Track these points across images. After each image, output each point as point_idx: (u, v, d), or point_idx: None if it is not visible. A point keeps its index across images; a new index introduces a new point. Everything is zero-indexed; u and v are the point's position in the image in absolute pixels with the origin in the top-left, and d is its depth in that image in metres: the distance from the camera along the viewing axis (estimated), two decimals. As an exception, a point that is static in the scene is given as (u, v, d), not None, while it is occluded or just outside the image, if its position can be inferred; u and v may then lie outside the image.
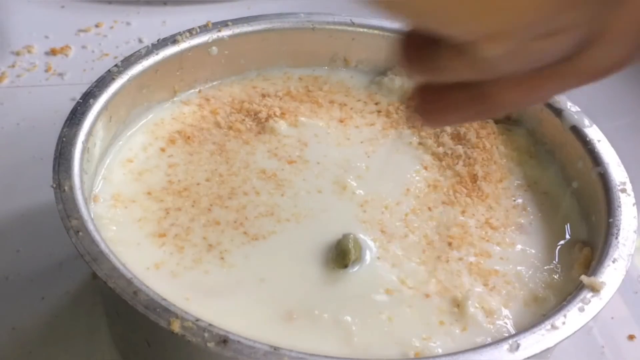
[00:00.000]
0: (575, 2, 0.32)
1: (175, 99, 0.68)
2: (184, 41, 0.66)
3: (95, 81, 0.60)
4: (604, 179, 0.58)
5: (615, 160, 0.59)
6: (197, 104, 0.68)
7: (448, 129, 0.66)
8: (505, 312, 0.53)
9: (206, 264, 0.54)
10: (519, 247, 0.58)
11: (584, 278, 0.51)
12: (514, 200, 0.62)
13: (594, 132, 0.62)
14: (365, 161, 0.63)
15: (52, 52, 0.89)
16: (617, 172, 0.58)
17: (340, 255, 0.54)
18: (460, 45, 0.34)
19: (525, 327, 0.49)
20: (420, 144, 0.66)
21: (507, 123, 0.69)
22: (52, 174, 0.52)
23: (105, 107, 0.59)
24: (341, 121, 0.67)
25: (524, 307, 0.53)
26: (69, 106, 0.58)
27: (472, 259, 0.56)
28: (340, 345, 0.49)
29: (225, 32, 0.68)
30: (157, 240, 0.55)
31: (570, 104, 0.64)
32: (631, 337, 0.64)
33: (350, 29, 0.71)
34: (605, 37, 0.33)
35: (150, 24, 0.96)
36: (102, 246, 0.48)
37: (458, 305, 0.53)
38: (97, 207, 0.57)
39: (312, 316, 0.51)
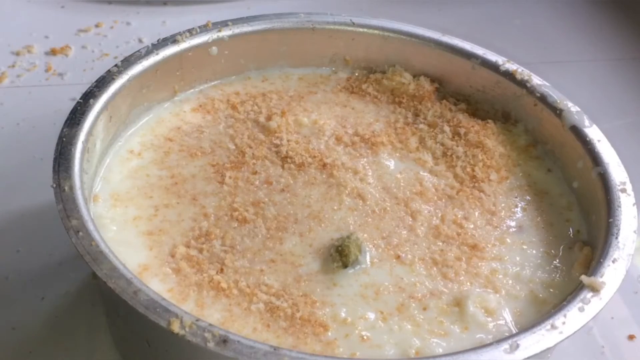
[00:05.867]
0: None
1: (175, 98, 0.68)
2: (184, 41, 0.66)
3: (95, 81, 0.60)
4: (604, 179, 0.58)
5: (615, 160, 0.59)
6: (197, 103, 0.68)
7: (448, 129, 0.67)
8: (505, 312, 0.53)
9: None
10: (519, 247, 0.58)
11: (584, 278, 0.51)
12: (514, 201, 0.62)
13: (594, 132, 0.62)
14: (364, 161, 0.63)
15: (52, 52, 0.89)
16: (617, 172, 0.58)
17: (341, 255, 0.54)
18: None
19: (525, 327, 0.49)
20: (420, 144, 0.66)
21: (507, 123, 0.68)
22: (52, 174, 0.52)
23: (105, 107, 0.59)
24: (341, 121, 0.67)
25: (524, 307, 0.53)
26: (69, 106, 0.58)
27: (472, 259, 0.56)
28: (341, 344, 0.50)
29: (225, 32, 0.68)
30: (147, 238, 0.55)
31: (570, 104, 0.64)
32: (631, 337, 0.64)
33: (350, 29, 0.71)
34: None
35: (150, 24, 0.96)
36: (102, 246, 0.48)
37: (458, 305, 0.53)
38: (97, 207, 0.57)
39: (312, 314, 0.51)
